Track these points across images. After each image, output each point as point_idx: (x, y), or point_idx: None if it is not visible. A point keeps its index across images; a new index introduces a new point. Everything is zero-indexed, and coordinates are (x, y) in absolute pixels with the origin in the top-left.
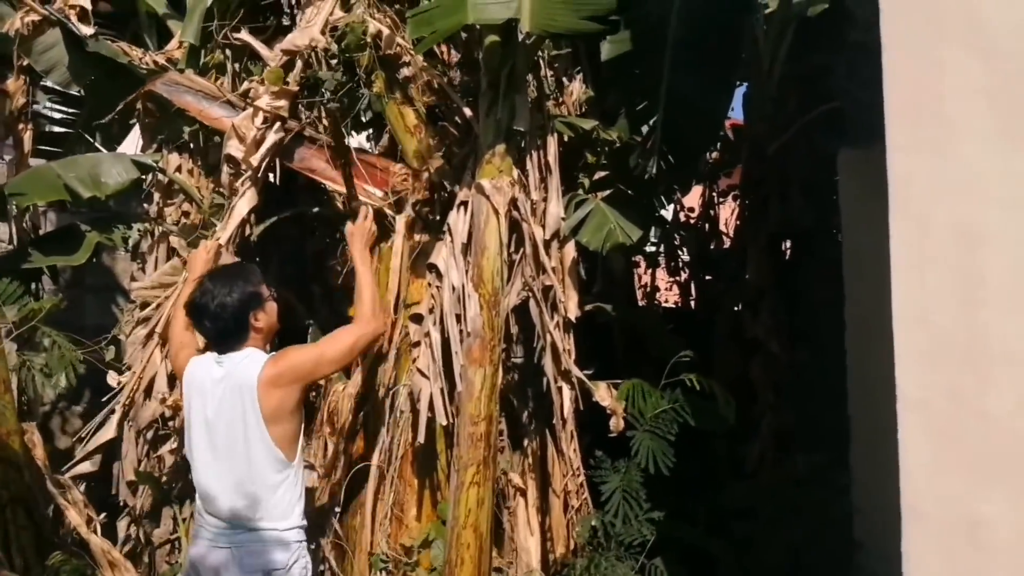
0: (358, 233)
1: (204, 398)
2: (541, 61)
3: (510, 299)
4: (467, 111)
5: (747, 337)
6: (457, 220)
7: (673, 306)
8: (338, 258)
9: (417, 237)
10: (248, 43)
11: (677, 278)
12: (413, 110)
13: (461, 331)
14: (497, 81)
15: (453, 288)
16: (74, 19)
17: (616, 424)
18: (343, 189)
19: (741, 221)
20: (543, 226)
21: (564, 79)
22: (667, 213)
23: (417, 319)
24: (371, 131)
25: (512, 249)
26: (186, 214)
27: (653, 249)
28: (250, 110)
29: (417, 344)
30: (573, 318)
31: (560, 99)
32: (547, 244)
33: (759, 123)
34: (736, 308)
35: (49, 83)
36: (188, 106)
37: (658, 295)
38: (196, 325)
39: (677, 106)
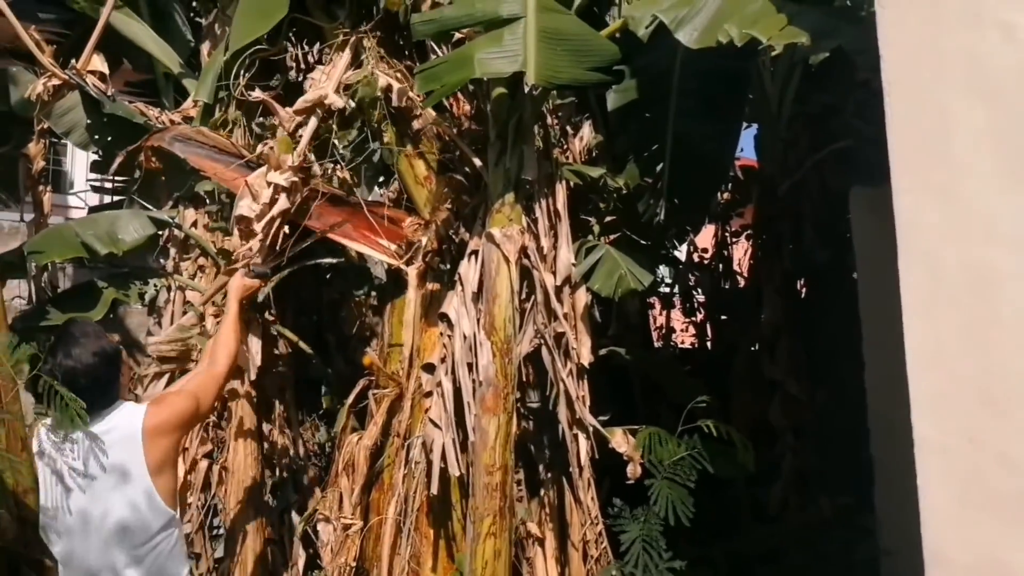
0: (236, 286)
1: (58, 466)
2: (547, 111)
3: (523, 346)
4: (477, 161)
5: (765, 377)
6: (468, 269)
7: (690, 347)
8: (352, 308)
9: (429, 286)
10: (262, 100)
11: (693, 319)
12: (423, 161)
13: (473, 380)
14: (505, 132)
15: (464, 337)
16: (93, 82)
17: (633, 471)
18: (356, 244)
19: (755, 260)
20: (554, 273)
21: (570, 127)
22: (680, 254)
23: (429, 369)
24: (381, 179)
25: (523, 296)
26: (202, 268)
27: (668, 290)
28: (263, 168)
29: (429, 394)
30: (587, 364)
31: (566, 147)
32: (558, 290)
33: (770, 163)
34: (753, 348)
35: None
36: (200, 164)
37: (674, 336)
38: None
39: (684, 152)
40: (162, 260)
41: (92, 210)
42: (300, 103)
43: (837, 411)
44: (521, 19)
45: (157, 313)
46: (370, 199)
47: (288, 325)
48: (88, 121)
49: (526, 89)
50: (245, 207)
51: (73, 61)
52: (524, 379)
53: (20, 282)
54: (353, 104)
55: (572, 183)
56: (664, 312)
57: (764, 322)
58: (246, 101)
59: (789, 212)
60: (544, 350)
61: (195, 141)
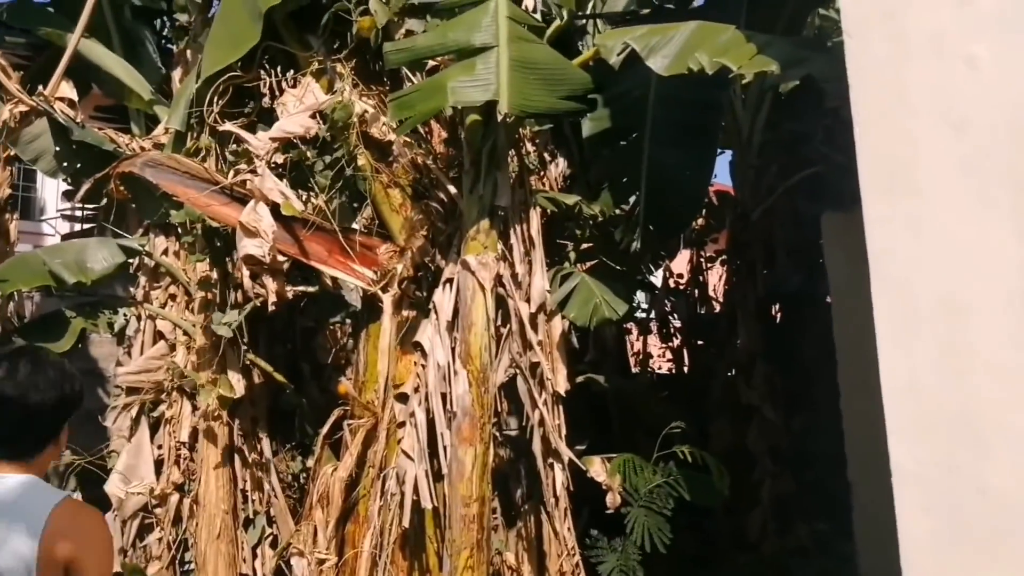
0: None
1: None
2: (523, 138)
3: (498, 375)
4: (451, 188)
5: (742, 403)
6: (443, 297)
7: (667, 372)
8: (327, 336)
9: (404, 314)
10: (232, 131)
11: (669, 344)
12: (399, 188)
13: (448, 410)
14: (479, 159)
15: (438, 366)
16: (61, 108)
17: (612, 500)
18: (331, 270)
19: (729, 286)
20: (528, 300)
21: (546, 154)
22: (656, 279)
23: (403, 399)
24: (355, 205)
25: (499, 324)
26: (172, 297)
27: (645, 316)
28: (252, 203)
29: (402, 425)
30: (563, 392)
31: (543, 173)
32: (533, 318)
33: (742, 189)
34: (729, 374)
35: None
36: (173, 190)
37: (651, 362)
38: None
39: (659, 180)
40: (132, 288)
41: (64, 237)
42: (276, 130)
43: (814, 437)
44: (494, 48)
45: (127, 343)
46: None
47: (261, 354)
48: (57, 148)
49: (499, 117)
50: (252, 246)
51: (41, 87)
52: (500, 407)
53: None
54: (326, 131)
55: (548, 210)
56: (641, 338)
57: (740, 347)
58: (219, 128)
59: (762, 238)
60: (520, 379)
61: (167, 167)
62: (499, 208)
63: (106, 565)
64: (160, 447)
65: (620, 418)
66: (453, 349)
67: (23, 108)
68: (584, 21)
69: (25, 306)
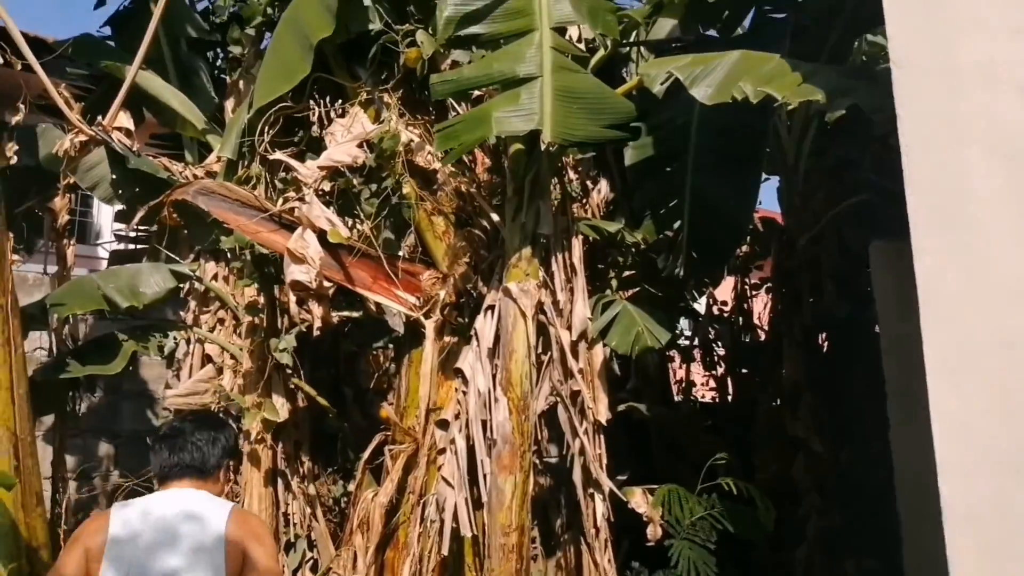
0: None
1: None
2: (565, 165)
3: (539, 403)
4: (494, 216)
5: (787, 434)
6: (484, 324)
7: (710, 401)
8: (370, 361)
9: (446, 339)
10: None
11: (713, 372)
12: (442, 216)
13: (488, 437)
14: (522, 187)
15: (479, 393)
16: (118, 138)
17: (653, 532)
18: (375, 295)
19: (775, 314)
20: (570, 328)
21: (588, 182)
22: (700, 306)
23: (443, 425)
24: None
25: (540, 351)
26: (221, 321)
27: (688, 343)
28: (299, 230)
29: (443, 451)
30: (604, 421)
31: (585, 201)
32: (574, 346)
33: (788, 215)
34: (775, 403)
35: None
36: (224, 217)
37: (694, 390)
38: (163, 446)
39: (703, 208)
40: (182, 312)
41: (113, 255)
42: (325, 159)
43: (863, 470)
44: (537, 79)
45: (176, 366)
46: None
47: (305, 378)
48: (113, 176)
49: (543, 146)
50: (299, 272)
51: (100, 117)
52: (540, 435)
53: (41, 334)
54: (373, 160)
55: (590, 237)
56: (684, 365)
57: (785, 377)
58: (269, 157)
59: (808, 265)
60: (560, 407)
61: (218, 195)
62: (541, 236)
63: (270, 547)
64: None
65: (662, 447)
66: (494, 376)
67: (83, 138)
68: (628, 49)
69: (79, 328)
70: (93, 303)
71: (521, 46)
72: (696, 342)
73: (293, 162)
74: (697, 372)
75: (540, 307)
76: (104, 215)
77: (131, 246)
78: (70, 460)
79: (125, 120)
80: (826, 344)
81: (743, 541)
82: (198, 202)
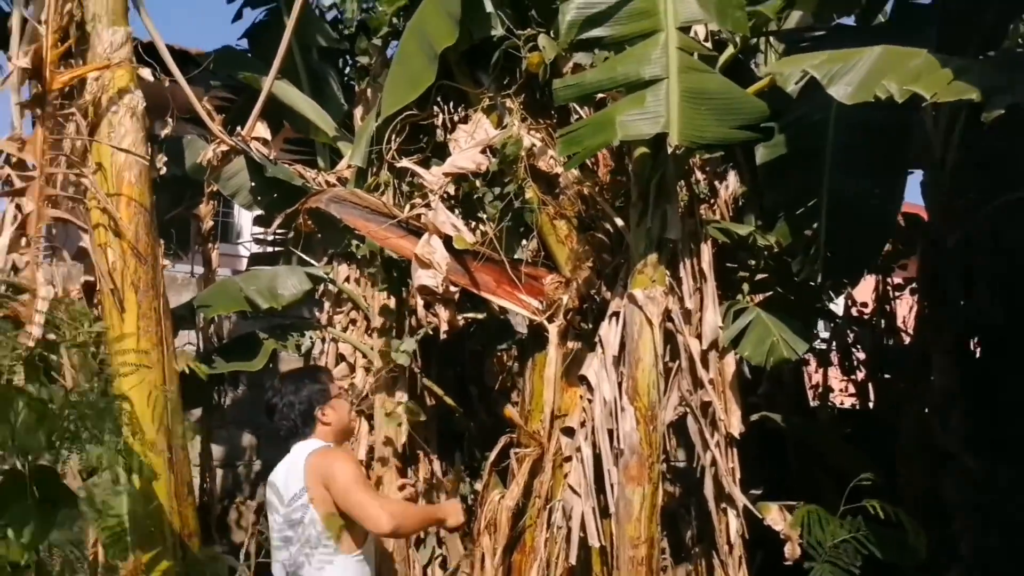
0: (450, 510)
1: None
2: (692, 167)
3: (667, 413)
4: (618, 220)
5: (936, 448)
6: (609, 331)
7: (849, 408)
8: (495, 361)
9: (570, 345)
10: (409, 168)
11: (852, 377)
12: (565, 220)
13: (614, 447)
14: (647, 191)
15: (605, 401)
16: (256, 147)
17: (791, 552)
18: (499, 299)
19: (921, 317)
20: (699, 337)
21: (716, 182)
22: (837, 307)
23: (569, 432)
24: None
25: (668, 359)
26: (353, 321)
27: (824, 346)
28: (426, 236)
29: (569, 458)
30: (737, 434)
31: (713, 201)
32: (704, 356)
33: (935, 212)
34: (922, 412)
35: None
36: (355, 224)
37: (831, 395)
38: (272, 423)
39: (841, 210)
40: (317, 312)
41: (252, 258)
42: (449, 165)
43: (1020, 489)
44: (663, 80)
45: (312, 363)
46: (511, 257)
47: (432, 377)
48: (252, 183)
49: (669, 149)
50: (426, 277)
51: (239, 128)
52: (668, 444)
53: (190, 332)
54: (496, 164)
55: (719, 240)
56: (820, 369)
57: (935, 387)
58: (396, 164)
59: (958, 265)
60: (690, 418)
61: (349, 202)
62: (668, 241)
63: (341, 479)
64: None
65: (798, 458)
66: (620, 384)
67: (224, 148)
68: (756, 40)
69: (223, 327)
70: (236, 304)
71: (646, 47)
72: (833, 345)
73: (419, 169)
74: (834, 376)
75: (667, 314)
76: (244, 215)
77: (269, 249)
78: (216, 450)
79: (263, 130)
80: (979, 350)
81: (886, 565)
82: (331, 209)
